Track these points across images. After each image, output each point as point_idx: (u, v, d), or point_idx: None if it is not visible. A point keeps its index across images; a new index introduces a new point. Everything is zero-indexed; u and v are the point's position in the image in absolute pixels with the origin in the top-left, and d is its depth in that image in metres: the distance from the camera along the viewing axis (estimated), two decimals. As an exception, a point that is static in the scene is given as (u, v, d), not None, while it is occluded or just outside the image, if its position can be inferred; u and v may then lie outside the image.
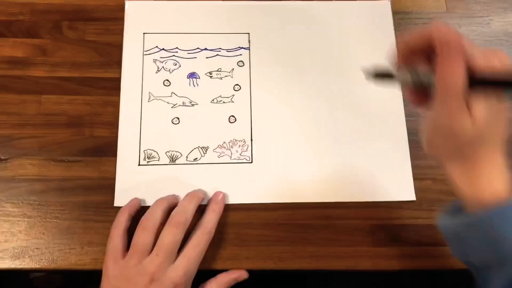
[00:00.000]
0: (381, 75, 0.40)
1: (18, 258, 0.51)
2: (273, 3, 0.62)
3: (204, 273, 0.52)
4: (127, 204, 0.51)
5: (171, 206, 0.51)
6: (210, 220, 0.51)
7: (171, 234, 0.47)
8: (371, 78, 0.41)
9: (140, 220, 0.49)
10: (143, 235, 0.47)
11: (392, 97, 0.58)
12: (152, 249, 0.47)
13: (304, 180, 0.54)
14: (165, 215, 0.49)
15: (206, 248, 0.49)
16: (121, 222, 0.49)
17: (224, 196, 0.53)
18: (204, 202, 0.53)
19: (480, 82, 0.35)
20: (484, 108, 0.36)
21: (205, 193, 0.53)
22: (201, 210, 0.51)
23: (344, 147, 0.56)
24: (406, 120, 0.57)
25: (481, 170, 0.39)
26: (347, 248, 0.53)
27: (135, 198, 0.52)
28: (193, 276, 0.48)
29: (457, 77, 0.35)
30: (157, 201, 0.51)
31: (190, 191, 0.53)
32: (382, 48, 0.60)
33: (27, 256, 0.51)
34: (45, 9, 0.60)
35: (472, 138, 0.37)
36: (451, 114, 0.37)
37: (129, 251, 0.47)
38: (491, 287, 0.39)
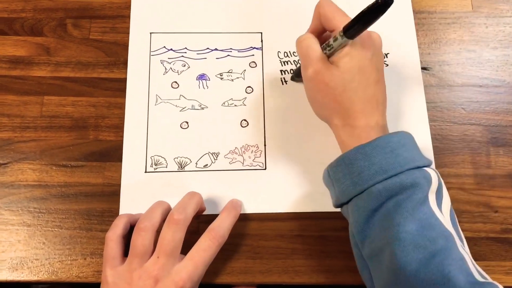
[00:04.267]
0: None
1: (16, 270, 0.48)
2: (287, 0, 0.59)
3: (214, 287, 0.49)
4: (130, 214, 0.48)
5: (171, 209, 0.47)
6: (224, 223, 0.47)
7: (170, 232, 0.43)
8: (294, 79, 0.55)
9: (138, 222, 0.45)
10: (141, 237, 0.44)
11: (415, 101, 0.55)
12: (152, 251, 0.44)
13: (321, 188, 0.51)
14: (164, 216, 0.46)
15: (215, 254, 0.45)
16: (117, 226, 0.46)
17: (241, 204, 0.50)
18: (208, 212, 0.50)
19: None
20: (345, 59, 0.43)
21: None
22: (209, 220, 0.48)
23: (363, 153, 0.53)
24: (430, 125, 0.54)
25: (357, 120, 0.44)
26: (367, 262, 0.49)
27: (141, 213, 0.49)
28: (198, 282, 0.44)
29: (308, 45, 0.45)
30: (156, 202, 0.47)
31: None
32: (404, 48, 0.57)
33: (25, 267, 0.48)
34: (49, 6, 0.57)
35: (343, 85, 0.44)
36: (318, 71, 0.44)
37: (129, 254, 0.44)
38: (353, 217, 0.43)
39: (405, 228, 0.39)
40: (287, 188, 0.51)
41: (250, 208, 0.51)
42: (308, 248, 0.49)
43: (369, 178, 0.41)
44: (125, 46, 0.56)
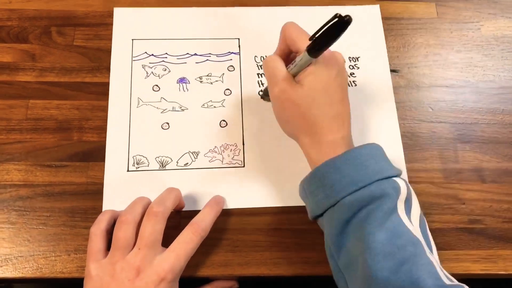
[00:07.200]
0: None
1: (1, 267, 0.49)
2: (262, 9, 0.62)
3: (194, 280, 0.50)
4: (113, 210, 0.50)
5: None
6: (206, 218, 0.48)
7: (150, 225, 0.45)
8: (264, 98, 0.57)
9: (119, 215, 0.47)
10: (123, 230, 0.45)
11: (385, 101, 0.58)
12: (134, 244, 0.45)
13: (298, 184, 0.53)
14: (145, 210, 0.47)
15: (197, 247, 0.46)
16: (101, 221, 0.47)
17: (224, 200, 0.52)
18: (189, 208, 0.52)
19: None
20: (309, 77, 0.45)
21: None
22: (191, 216, 0.50)
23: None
24: (400, 124, 0.57)
25: (323, 136, 0.45)
26: (342, 252, 0.51)
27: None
28: (179, 274, 0.46)
29: (274, 66, 0.47)
30: (137, 198, 0.49)
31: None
32: (373, 52, 0.60)
33: (10, 264, 0.49)
34: (34, 15, 0.59)
35: (309, 103, 0.45)
36: (284, 90, 0.46)
37: (111, 248, 0.45)
38: (328, 228, 0.45)
39: (375, 237, 0.40)
40: (264, 184, 0.54)
41: (230, 203, 0.53)
42: (285, 241, 0.51)
43: (341, 190, 0.43)
44: (108, 52, 0.58)
